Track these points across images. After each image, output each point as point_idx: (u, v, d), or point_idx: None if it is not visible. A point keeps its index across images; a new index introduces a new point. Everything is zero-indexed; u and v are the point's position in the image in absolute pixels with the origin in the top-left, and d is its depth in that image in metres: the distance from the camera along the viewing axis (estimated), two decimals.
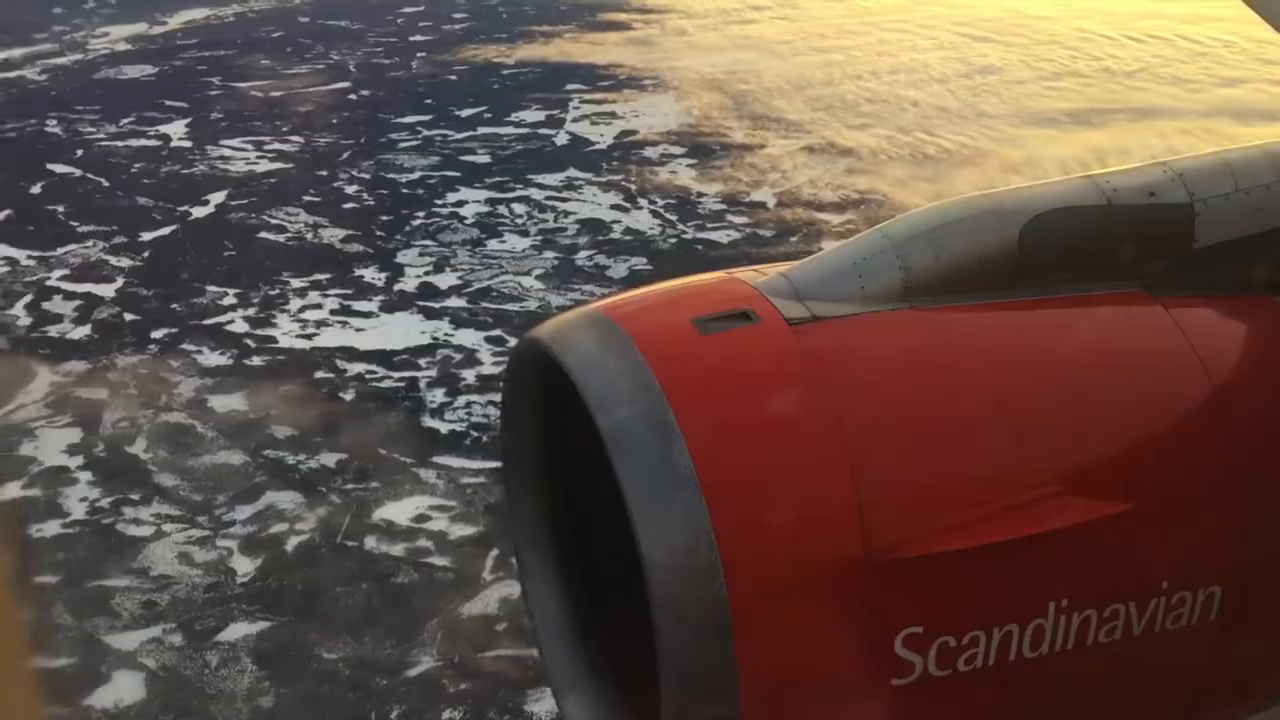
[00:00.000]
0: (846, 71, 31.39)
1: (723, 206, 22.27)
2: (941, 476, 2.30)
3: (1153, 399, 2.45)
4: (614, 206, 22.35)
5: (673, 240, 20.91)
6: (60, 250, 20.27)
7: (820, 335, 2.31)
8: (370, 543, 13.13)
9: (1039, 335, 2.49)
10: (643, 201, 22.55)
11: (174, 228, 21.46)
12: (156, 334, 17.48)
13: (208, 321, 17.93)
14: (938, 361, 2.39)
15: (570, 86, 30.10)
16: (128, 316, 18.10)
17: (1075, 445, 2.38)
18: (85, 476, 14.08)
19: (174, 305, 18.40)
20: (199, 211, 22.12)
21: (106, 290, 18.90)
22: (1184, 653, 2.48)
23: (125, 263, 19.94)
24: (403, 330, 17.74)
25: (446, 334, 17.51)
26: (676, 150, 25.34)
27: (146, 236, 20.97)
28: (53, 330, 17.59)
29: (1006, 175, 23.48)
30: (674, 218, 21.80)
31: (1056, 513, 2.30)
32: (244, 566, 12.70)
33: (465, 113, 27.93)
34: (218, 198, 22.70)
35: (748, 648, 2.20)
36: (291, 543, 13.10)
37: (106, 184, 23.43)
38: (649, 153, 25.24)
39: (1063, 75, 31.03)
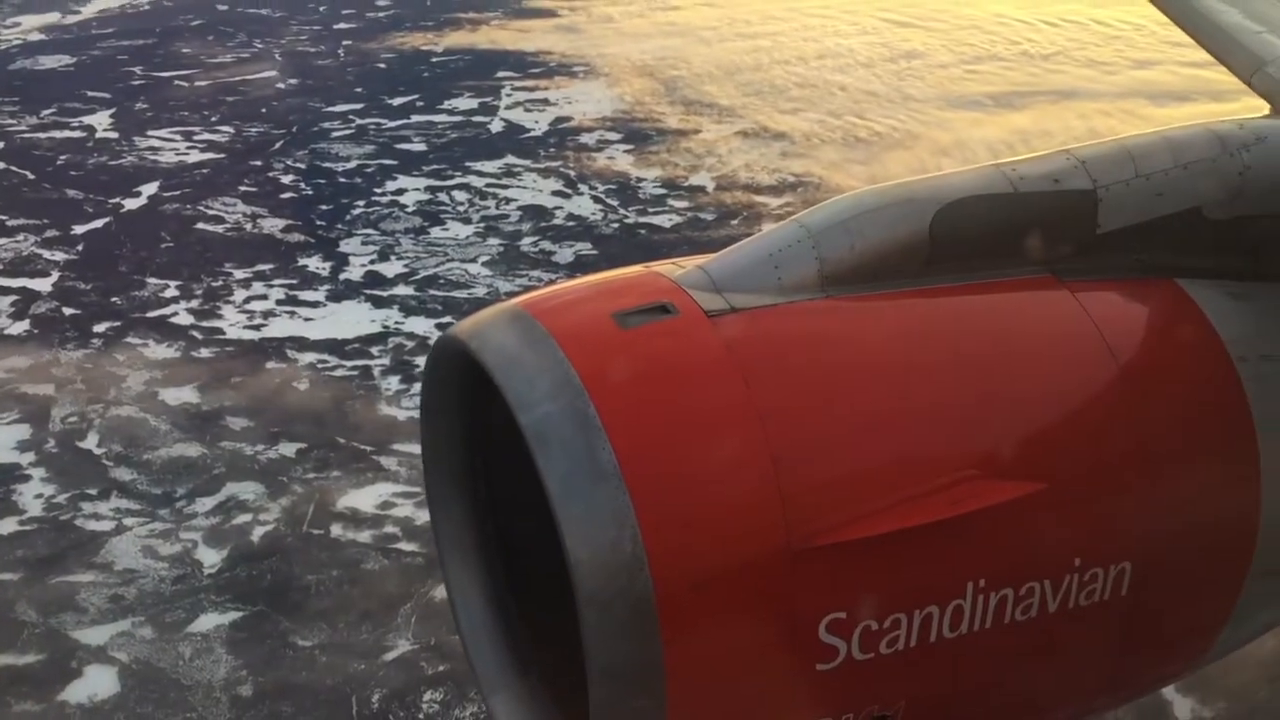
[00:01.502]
0: (774, 57, 31.80)
1: (663, 191, 22.51)
2: (860, 463, 2.33)
3: (1061, 382, 2.53)
4: (555, 193, 22.44)
5: (615, 225, 21.09)
6: None
7: (738, 326, 2.33)
8: (336, 530, 13.13)
9: (951, 322, 2.54)
10: (583, 187, 22.69)
11: (107, 220, 21.04)
12: (99, 328, 17.17)
13: (151, 314, 17.66)
14: (854, 350, 2.44)
15: (501, 74, 30.02)
16: (67, 311, 17.74)
17: (988, 429, 2.44)
18: (38, 473, 13.83)
19: (114, 299, 18.08)
20: (131, 203, 21.70)
21: (42, 285, 18.49)
22: (1098, 627, 2.54)
23: (59, 256, 19.52)
24: (352, 319, 17.66)
25: (397, 322, 17.49)
26: (612, 136, 25.49)
27: (79, 229, 20.53)
28: None
29: (937, 158, 24.05)
30: (615, 203, 21.97)
31: (972, 495, 2.36)
32: (210, 558, 12.62)
33: (397, 101, 27.73)
34: (150, 189, 22.29)
35: (673, 640, 2.21)
36: (257, 533, 13.05)
37: (32, 177, 22.86)
38: (585, 139, 25.35)
39: (983, 59, 31.79)
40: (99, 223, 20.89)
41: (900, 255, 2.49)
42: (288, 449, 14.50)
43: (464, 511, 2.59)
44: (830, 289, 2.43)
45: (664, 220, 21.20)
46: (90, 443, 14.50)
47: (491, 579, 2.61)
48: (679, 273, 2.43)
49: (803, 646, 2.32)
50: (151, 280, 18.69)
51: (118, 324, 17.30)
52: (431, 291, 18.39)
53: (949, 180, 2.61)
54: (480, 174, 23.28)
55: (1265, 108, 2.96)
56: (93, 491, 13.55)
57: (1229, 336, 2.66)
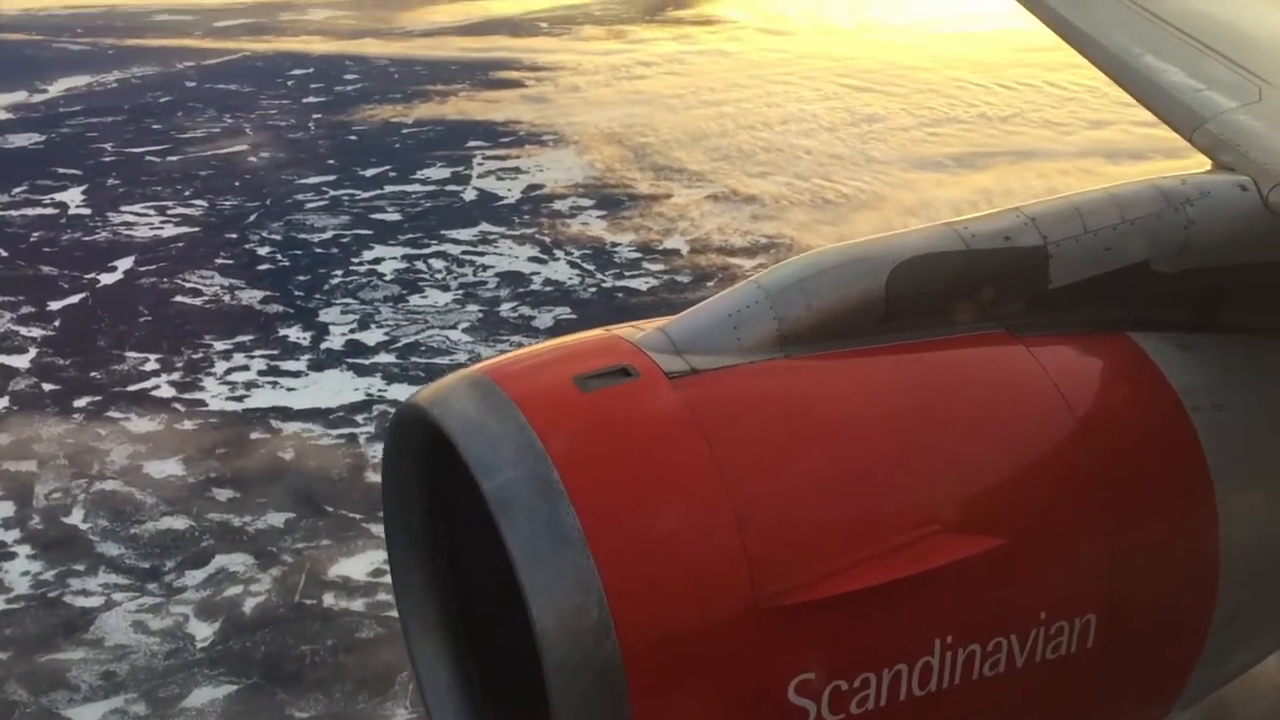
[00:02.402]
0: (740, 123, 32.43)
1: (638, 255, 22.80)
2: (824, 523, 2.32)
3: (1019, 436, 2.52)
4: (531, 259, 22.67)
5: (593, 289, 21.31)
6: None
7: (699, 388, 2.33)
8: (329, 600, 13.06)
9: (909, 379, 2.54)
10: (559, 253, 22.93)
11: (83, 295, 20.99)
12: (79, 403, 17.07)
13: (132, 388, 17.58)
14: (814, 409, 2.43)
15: (472, 143, 30.41)
16: (46, 386, 17.64)
17: (950, 485, 2.44)
18: (24, 550, 13.68)
19: (94, 373, 17.99)
20: (107, 278, 21.67)
21: (20, 361, 18.38)
22: (1064, 680, 2.55)
23: (37, 333, 19.43)
24: (335, 388, 17.68)
25: (380, 389, 17.52)
26: (585, 202, 25.84)
27: (55, 305, 20.46)
28: None
29: (904, 217, 24.55)
30: (591, 268, 22.22)
31: (935, 552, 2.34)
32: (202, 631, 12.50)
33: (370, 172, 27.99)
34: (125, 264, 22.29)
35: (642, 705, 2.19)
36: (248, 604, 12.94)
37: (6, 254, 22.80)
38: (559, 205, 25.67)
39: (943, 121, 32.60)
40: (75, 298, 20.84)
41: (857, 313, 2.53)
42: (276, 519, 14.44)
43: (426, 580, 2.60)
44: (789, 348, 2.46)
45: (640, 284, 21.46)
46: (76, 518, 14.37)
47: (455, 647, 2.62)
48: (639, 335, 2.45)
49: (772, 709, 2.31)
50: (131, 354, 18.63)
51: (98, 399, 17.21)
52: (413, 359, 18.46)
53: (903, 239, 2.66)
54: (456, 242, 23.48)
55: (1208, 163, 3.05)
56: (80, 567, 13.42)
57: (1182, 387, 2.70)
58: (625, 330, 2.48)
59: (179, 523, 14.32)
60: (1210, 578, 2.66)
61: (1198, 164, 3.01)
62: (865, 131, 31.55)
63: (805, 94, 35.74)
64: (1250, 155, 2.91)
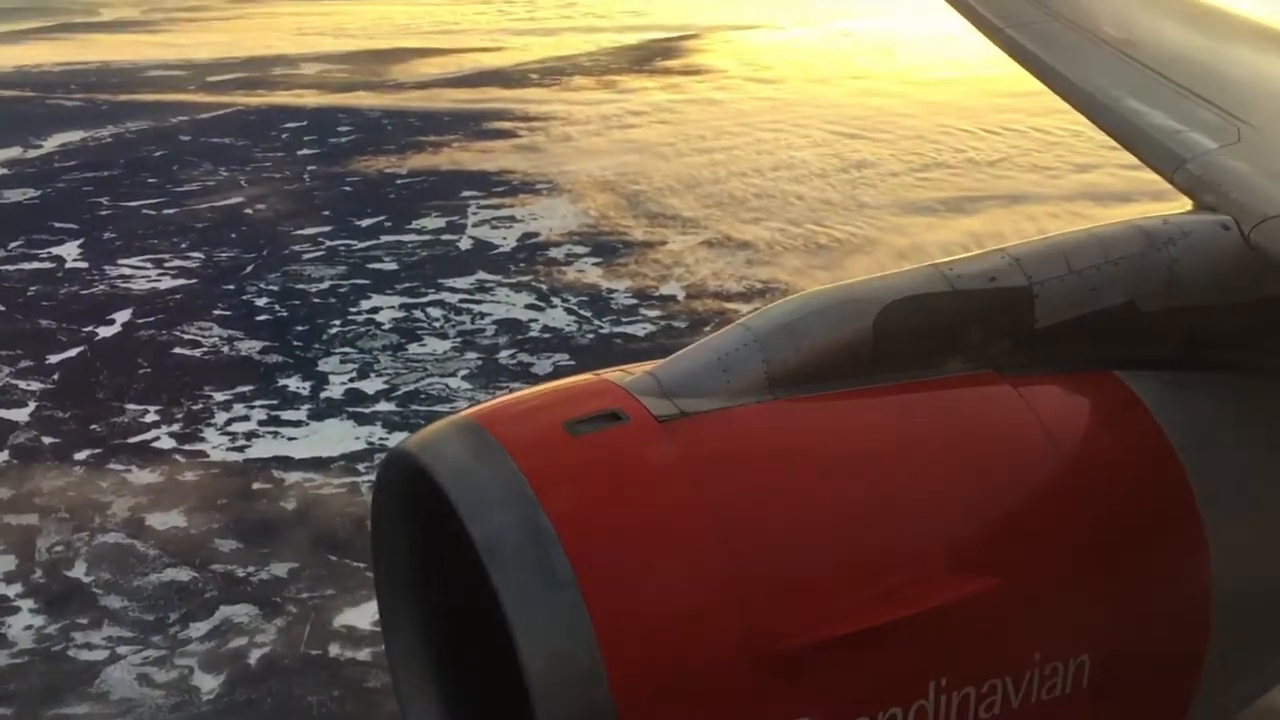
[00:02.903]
0: (731, 170, 32.76)
1: (634, 301, 22.93)
2: (817, 565, 2.31)
3: (1009, 477, 2.54)
4: (528, 306, 22.79)
5: (591, 336, 21.41)
6: None
7: (688, 431, 2.34)
8: (335, 649, 12.98)
9: (898, 421, 2.55)
10: (556, 300, 23.06)
11: (81, 349, 21.00)
12: (79, 455, 17.03)
13: (132, 440, 17.55)
14: (803, 452, 2.43)
15: (466, 193, 30.64)
16: (46, 440, 17.60)
17: (941, 526, 2.43)
18: (27, 604, 13.58)
19: (94, 426, 17.96)
20: (105, 331, 21.70)
21: (19, 415, 18.34)
22: None
23: (35, 386, 19.41)
24: (336, 437, 17.68)
25: (381, 438, 17.51)
26: (580, 250, 26.03)
27: (54, 359, 20.46)
28: None
29: (897, 260, 24.75)
30: (589, 314, 22.34)
31: (928, 594, 2.35)
32: (208, 684, 12.40)
33: (365, 222, 28.17)
34: (123, 316, 22.32)
35: None
36: (254, 655, 12.86)
37: (3, 308, 22.81)
38: (554, 253, 25.85)
39: (932, 167, 32.99)
40: (73, 351, 20.85)
41: (845, 355, 2.53)
42: (280, 569, 14.39)
43: (416, 626, 2.58)
44: (778, 390, 2.45)
45: (638, 329, 21.57)
46: (78, 571, 14.30)
47: (445, 693, 2.59)
48: (628, 379, 2.45)
49: None
50: (131, 406, 18.62)
51: (99, 451, 17.17)
52: (414, 407, 18.49)
53: (890, 281, 2.67)
54: (453, 290, 23.60)
55: (1189, 204, 3.09)
56: (84, 621, 13.32)
57: (1169, 425, 2.72)
58: (614, 374, 2.47)
59: (182, 574, 14.25)
60: (1203, 614, 2.66)
61: (1181, 205, 3.06)
62: (855, 177, 31.89)
63: (795, 141, 36.15)
64: (1231, 195, 2.95)
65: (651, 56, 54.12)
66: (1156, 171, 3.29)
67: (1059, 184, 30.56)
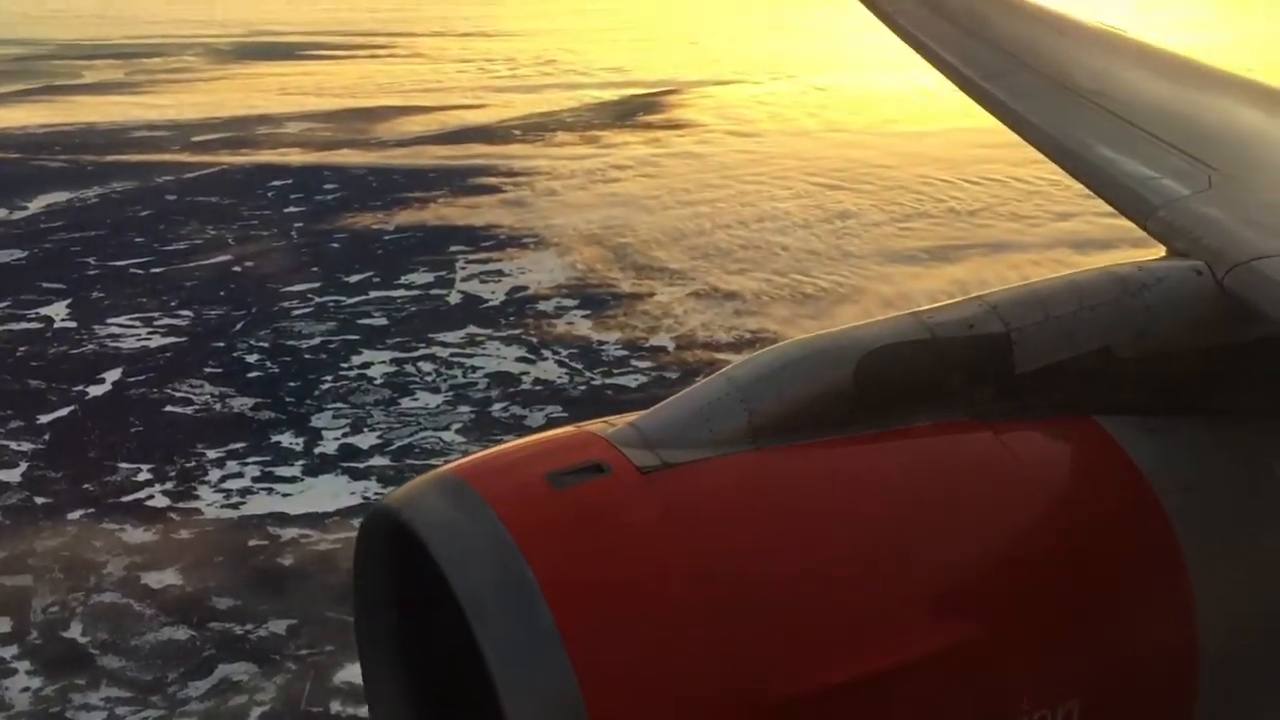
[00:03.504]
0: (716, 222, 33.12)
1: (625, 353, 23.08)
2: (802, 616, 2.30)
3: (991, 524, 2.53)
4: (519, 359, 22.90)
5: (583, 388, 21.52)
6: None
7: (672, 482, 2.33)
8: (335, 706, 12.91)
9: (881, 469, 2.55)
10: (546, 353, 23.18)
11: (72, 408, 20.94)
12: (73, 515, 16.95)
13: (125, 499, 17.49)
14: (787, 502, 2.42)
15: (454, 248, 30.86)
16: (39, 500, 17.51)
17: (925, 575, 2.43)
18: (23, 666, 13.46)
19: (86, 485, 17.89)
20: (96, 390, 21.66)
21: (11, 476, 18.26)
22: None
23: (26, 446, 19.33)
24: (331, 492, 17.67)
25: (376, 493, 17.51)
26: (569, 302, 26.20)
27: (44, 419, 20.39)
28: None
29: (884, 308, 24.83)
30: (580, 366, 22.46)
31: (916, 643, 2.35)
32: None
33: (354, 278, 28.30)
34: (113, 375, 22.30)
35: None
36: (254, 714, 12.78)
37: None
38: (543, 306, 26.01)
39: (914, 216, 33.44)
40: (64, 411, 20.79)
41: (827, 404, 2.53)
42: (278, 626, 14.32)
43: (398, 685, 2.54)
44: (761, 440, 2.44)
45: (630, 381, 21.69)
46: (74, 632, 14.19)
47: None
48: (611, 430, 2.44)
49: None
50: (123, 465, 18.56)
51: (92, 510, 17.10)
52: (408, 461, 18.50)
53: (869, 329, 2.68)
54: (444, 344, 23.70)
55: (1157, 252, 3.11)
56: (81, 681, 13.22)
57: (1150, 470, 2.73)
58: (597, 426, 2.48)
59: (180, 633, 14.16)
60: (1190, 659, 2.68)
61: (1157, 251, 3.13)
62: (839, 228, 32.28)
63: (778, 193, 36.60)
64: (1203, 241, 3.01)
65: (633, 111, 54.79)
66: (1130, 219, 3.35)
67: (1039, 232, 31.05)
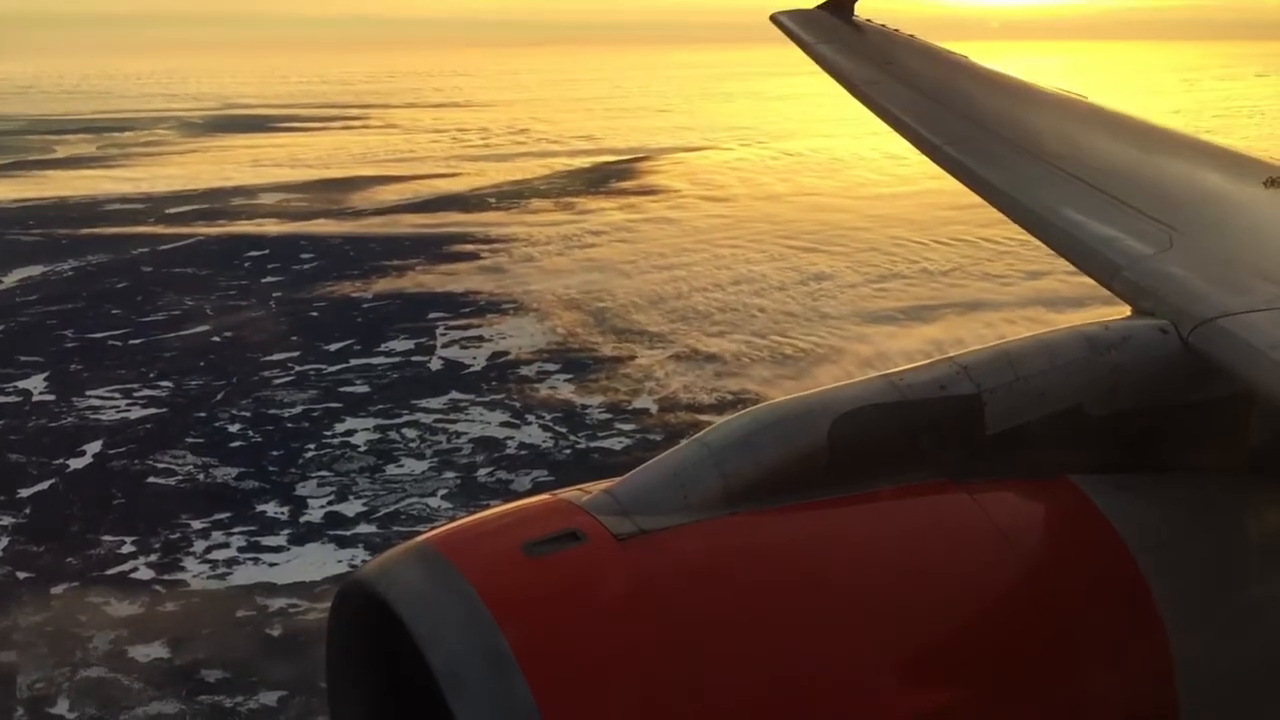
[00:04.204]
0: (693, 285, 33.46)
1: (608, 416, 23.15)
2: (781, 681, 2.30)
3: (969, 586, 2.54)
4: (503, 424, 22.92)
5: (568, 451, 21.54)
6: None
7: (648, 549, 2.32)
8: None
9: (856, 532, 2.54)
10: (530, 417, 23.22)
11: (53, 481, 20.74)
12: (56, 589, 16.72)
13: (109, 572, 17.28)
14: (762, 567, 2.41)
15: (433, 315, 30.99)
16: (21, 575, 17.27)
17: (904, 638, 2.44)
18: None
19: (69, 559, 17.68)
20: (76, 463, 21.47)
21: None
22: None
23: (7, 521, 19.09)
24: (318, 561, 17.53)
25: (364, 560, 17.34)
26: (551, 367, 26.32)
27: (25, 493, 20.17)
28: None
29: (863, 368, 25.27)
30: (564, 430, 22.50)
31: (896, 707, 2.36)
32: None
33: (334, 346, 28.32)
34: (94, 448, 22.12)
35: None
36: None
37: None
38: (525, 371, 26.10)
39: (888, 277, 33.94)
40: (44, 484, 20.59)
41: (801, 467, 2.53)
42: (269, 697, 14.14)
43: None
44: (736, 505, 2.44)
45: (614, 444, 21.74)
46: (61, 708, 13.94)
47: None
48: (586, 498, 2.43)
49: None
50: (106, 538, 18.36)
51: (75, 584, 16.88)
52: (395, 528, 18.41)
53: (842, 391, 2.67)
54: (427, 410, 23.70)
55: (1126, 312, 3.18)
56: None
57: (1124, 528, 2.73)
58: (571, 493, 2.47)
59: (169, 707, 13.96)
60: (1170, 715, 2.71)
61: (1124, 310, 3.20)
62: (815, 289, 32.69)
63: (753, 256, 37.06)
64: (1168, 300, 3.07)
65: (606, 178, 55.45)
66: (1095, 279, 3.42)
67: (1012, 291, 31.56)
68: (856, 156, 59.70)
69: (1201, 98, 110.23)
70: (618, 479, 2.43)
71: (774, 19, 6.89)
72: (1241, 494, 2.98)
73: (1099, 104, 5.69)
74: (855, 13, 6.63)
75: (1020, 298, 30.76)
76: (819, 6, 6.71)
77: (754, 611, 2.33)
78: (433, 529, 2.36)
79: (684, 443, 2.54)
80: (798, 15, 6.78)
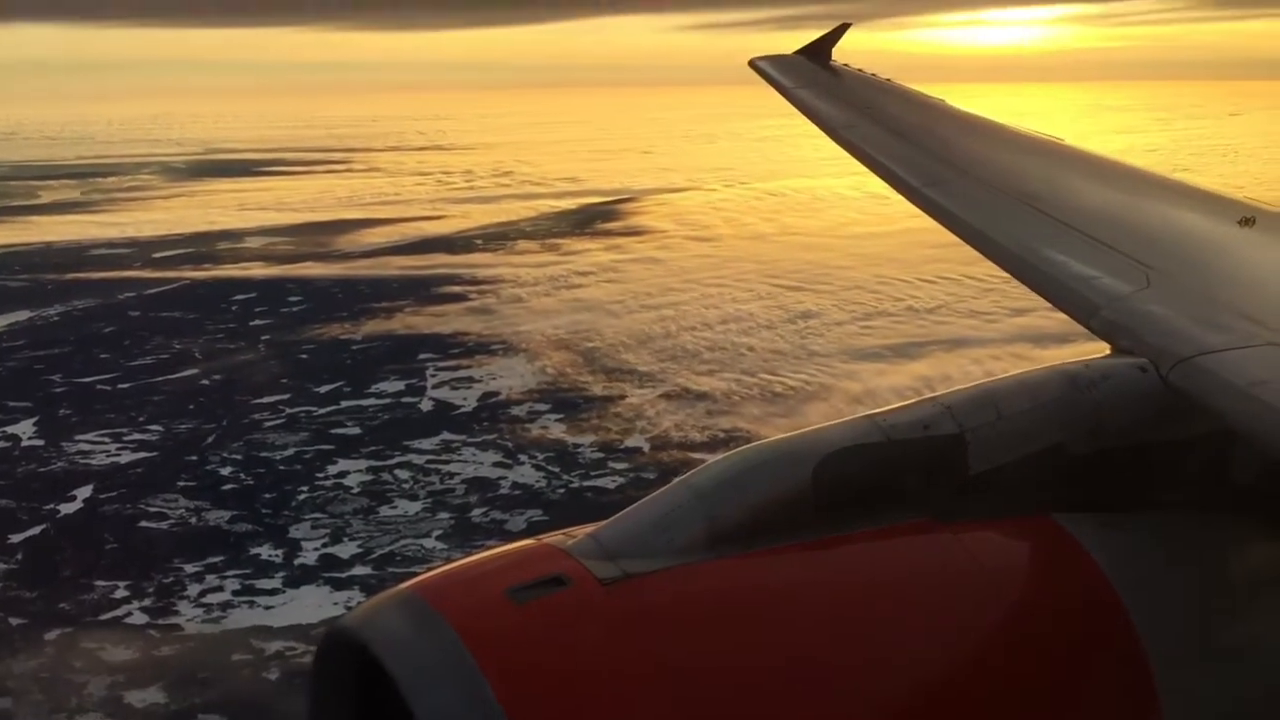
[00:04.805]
0: (681, 324, 33.65)
1: (601, 455, 23.21)
2: None
3: (955, 626, 2.55)
4: (496, 464, 22.94)
5: (561, 491, 21.57)
6: None
7: (633, 593, 2.31)
8: None
9: (842, 574, 2.54)
10: (523, 457, 23.25)
11: (44, 526, 20.62)
12: (50, 635, 16.59)
13: (104, 617, 17.17)
14: (750, 609, 2.40)
15: (423, 356, 31.04)
16: (14, 621, 17.14)
17: (890, 679, 2.45)
18: None
19: (62, 604, 17.56)
20: (67, 508, 21.37)
21: None
22: None
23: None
24: (314, 603, 17.47)
25: (360, 602, 17.31)
26: (542, 406, 26.37)
27: (16, 538, 20.04)
28: None
29: (853, 406, 25.44)
30: (557, 469, 22.54)
31: None
32: None
33: (324, 388, 28.31)
34: (84, 492, 22.02)
35: None
36: None
37: None
38: (516, 411, 26.15)
39: (874, 315, 34.21)
40: (36, 530, 20.47)
41: (786, 509, 2.53)
42: None
43: None
44: (722, 548, 2.43)
45: (608, 482, 21.78)
46: None
47: None
48: (570, 542, 2.42)
49: None
50: (99, 582, 18.26)
51: (70, 630, 16.76)
52: (391, 569, 18.37)
53: (826, 432, 2.69)
54: (419, 452, 23.70)
55: (1107, 348, 3.20)
56: None
57: (1108, 566, 2.73)
58: (556, 538, 2.46)
59: None
60: None
61: (1104, 348, 3.23)
62: (802, 328, 32.91)
63: (739, 295, 37.31)
64: (1146, 338, 3.11)
65: (591, 219, 55.77)
66: (1074, 318, 3.44)
67: (997, 328, 31.86)
68: (838, 196, 60.29)
69: (1176, 137, 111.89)
70: (603, 522, 2.44)
71: (753, 64, 7.04)
72: (1224, 531, 2.99)
73: (1074, 145, 5.81)
74: (833, 58, 6.81)
75: (1005, 334, 31.04)
76: (797, 52, 6.89)
77: (738, 656, 2.32)
78: (421, 574, 2.35)
79: (669, 485, 2.55)
80: (777, 61, 6.90)
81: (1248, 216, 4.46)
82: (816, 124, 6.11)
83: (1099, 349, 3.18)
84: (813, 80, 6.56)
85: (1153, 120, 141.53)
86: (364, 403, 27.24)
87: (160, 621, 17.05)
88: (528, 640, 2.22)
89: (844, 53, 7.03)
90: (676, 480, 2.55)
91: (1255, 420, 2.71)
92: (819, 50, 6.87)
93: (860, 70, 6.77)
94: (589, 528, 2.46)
